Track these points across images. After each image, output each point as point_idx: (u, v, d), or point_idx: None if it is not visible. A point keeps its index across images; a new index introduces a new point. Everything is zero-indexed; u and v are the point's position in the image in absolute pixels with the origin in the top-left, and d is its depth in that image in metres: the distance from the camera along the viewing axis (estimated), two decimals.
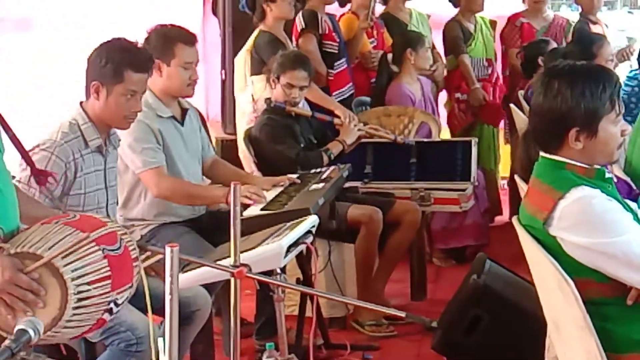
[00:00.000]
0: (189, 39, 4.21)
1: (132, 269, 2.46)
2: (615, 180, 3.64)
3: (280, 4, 5.49)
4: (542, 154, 2.77)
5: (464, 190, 5.20)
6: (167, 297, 2.19)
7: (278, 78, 4.89)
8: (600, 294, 2.65)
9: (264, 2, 5.53)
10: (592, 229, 2.59)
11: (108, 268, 2.36)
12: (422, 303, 5.37)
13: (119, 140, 3.78)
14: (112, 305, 2.38)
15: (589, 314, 2.59)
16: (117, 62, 3.49)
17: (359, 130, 5.14)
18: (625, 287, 2.63)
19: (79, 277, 2.31)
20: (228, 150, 6.18)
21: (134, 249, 2.50)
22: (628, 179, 3.86)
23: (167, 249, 2.19)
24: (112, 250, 2.39)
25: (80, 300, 2.31)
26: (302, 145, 4.91)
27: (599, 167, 2.73)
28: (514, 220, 2.85)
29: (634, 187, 3.74)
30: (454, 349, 4.27)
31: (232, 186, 2.90)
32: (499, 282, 4.25)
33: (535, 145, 2.84)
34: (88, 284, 2.32)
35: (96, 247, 2.36)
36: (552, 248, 2.66)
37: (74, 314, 2.31)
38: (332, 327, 4.84)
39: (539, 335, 3.06)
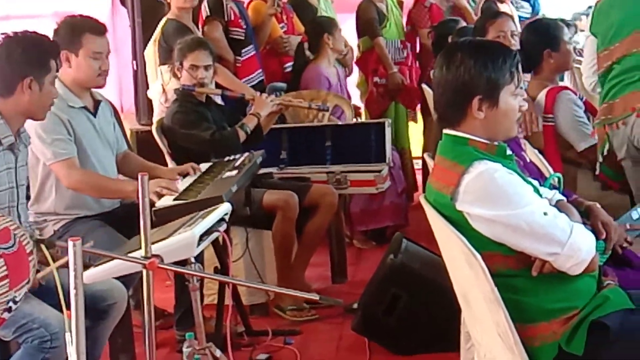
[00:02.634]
0: (98, 28, 4.15)
1: (28, 264, 2.43)
2: (527, 161, 3.73)
3: None
4: (444, 131, 2.81)
5: (379, 171, 5.24)
6: (72, 291, 2.16)
7: (182, 64, 4.87)
8: (507, 267, 2.69)
9: None
10: (495, 202, 2.63)
11: (5, 267, 2.32)
12: (343, 285, 5.40)
13: (29, 138, 3.72)
14: (10, 304, 2.34)
15: (497, 286, 2.63)
16: (44, 53, 3.47)
17: (271, 101, 5.08)
18: (530, 259, 2.67)
19: None
20: (143, 141, 6.12)
21: (28, 242, 2.46)
22: (542, 163, 3.94)
23: (70, 243, 2.15)
24: (7, 248, 2.35)
25: None
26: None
27: (499, 143, 2.77)
28: (421, 198, 2.88)
29: (544, 173, 3.81)
30: (374, 329, 4.32)
31: (139, 177, 2.88)
32: (416, 261, 4.30)
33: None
34: None
35: None
36: (459, 223, 2.70)
37: None
38: (254, 314, 4.84)
39: (457, 310, 3.10)
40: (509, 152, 2.81)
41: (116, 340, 4.03)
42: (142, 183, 2.87)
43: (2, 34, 3.47)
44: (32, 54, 3.43)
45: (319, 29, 6.10)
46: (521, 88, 2.78)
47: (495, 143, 2.77)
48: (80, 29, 4.09)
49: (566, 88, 4.57)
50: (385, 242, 5.76)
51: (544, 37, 4.47)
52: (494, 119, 2.72)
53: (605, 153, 4.19)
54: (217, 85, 5.44)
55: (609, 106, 4.09)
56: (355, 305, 4.55)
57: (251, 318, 4.67)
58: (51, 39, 3.61)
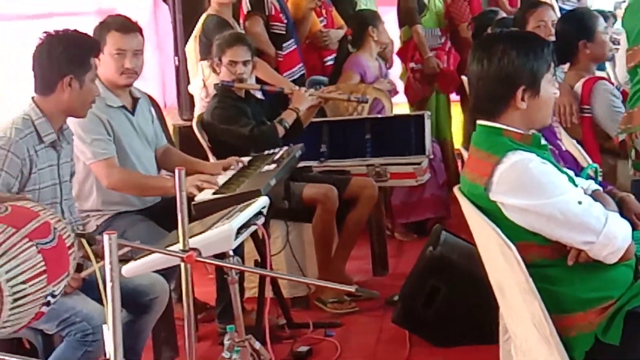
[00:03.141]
0: (125, 26, 4.17)
1: (68, 257, 2.46)
2: (563, 149, 3.72)
3: None
4: (478, 122, 2.81)
5: (419, 163, 5.24)
6: (108, 285, 2.18)
7: (220, 60, 4.90)
8: (542, 256, 2.69)
9: None
10: (529, 191, 2.63)
11: (43, 263, 2.34)
12: (384, 278, 5.41)
13: (72, 135, 3.78)
14: (49, 297, 2.37)
15: (532, 277, 2.63)
16: (84, 51, 3.50)
17: (310, 95, 5.09)
18: (565, 248, 2.67)
19: (14, 277, 2.29)
20: (185, 136, 6.15)
21: (69, 235, 2.49)
22: (579, 153, 3.91)
23: (105, 237, 2.19)
24: (46, 243, 2.37)
25: (16, 300, 2.30)
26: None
27: (534, 133, 2.77)
28: (456, 189, 2.88)
29: (580, 162, 3.79)
30: (414, 321, 4.33)
31: (176, 171, 2.91)
32: (455, 253, 4.30)
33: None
34: (23, 282, 2.30)
35: (29, 243, 2.34)
36: (493, 214, 2.70)
37: (11, 314, 2.30)
38: (296, 306, 4.87)
39: (495, 302, 3.09)
40: (543, 142, 2.81)
41: (159, 334, 4.08)
42: (179, 177, 2.91)
43: (44, 32, 3.52)
44: (73, 53, 3.47)
45: (364, 22, 6.13)
46: (554, 77, 2.78)
47: (530, 133, 2.76)
48: (107, 27, 4.14)
49: (602, 78, 4.52)
50: (427, 235, 5.71)
51: (578, 27, 4.43)
52: (535, 108, 2.74)
53: (633, 157, 4.12)
54: (257, 80, 5.47)
55: (629, 115, 4.02)
56: (395, 298, 4.56)
57: (292, 311, 4.69)
58: (90, 37, 3.65)
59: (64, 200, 3.60)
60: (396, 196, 6.06)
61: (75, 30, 3.59)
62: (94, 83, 3.56)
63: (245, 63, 4.91)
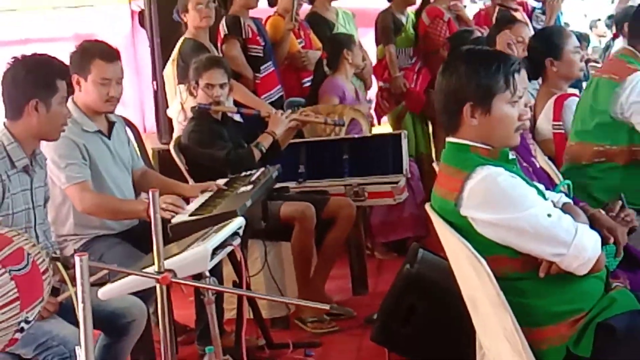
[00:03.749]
0: (108, 54, 4.19)
1: (42, 283, 2.45)
2: (537, 166, 3.75)
3: (192, 13, 5.58)
4: (447, 139, 2.84)
5: (397, 182, 5.27)
6: (80, 306, 2.20)
7: (197, 83, 4.93)
8: (514, 270, 2.71)
9: (181, 12, 5.61)
10: (499, 205, 2.66)
11: (16, 290, 2.33)
12: (364, 297, 5.42)
13: (45, 159, 3.79)
14: (22, 324, 2.37)
15: (504, 290, 2.66)
16: (49, 74, 3.51)
17: (286, 118, 5.12)
18: (537, 261, 2.70)
19: None
20: (165, 160, 6.16)
21: (43, 260, 2.49)
22: (552, 170, 3.95)
23: (77, 258, 2.20)
24: (19, 269, 2.36)
25: None
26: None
27: (502, 148, 2.80)
28: (427, 206, 2.91)
29: (554, 180, 3.83)
30: (393, 339, 4.32)
31: (150, 193, 2.93)
32: (432, 270, 4.30)
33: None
34: None
35: (1, 270, 2.33)
36: (464, 229, 2.73)
37: None
38: (275, 327, 4.88)
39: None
40: (511, 156, 2.83)
41: (138, 357, 4.08)
42: (153, 199, 2.92)
43: (12, 57, 3.54)
44: (36, 76, 3.48)
45: (338, 45, 6.16)
46: (520, 96, 2.78)
47: (498, 148, 2.79)
48: (90, 54, 4.14)
49: (573, 95, 4.57)
50: (406, 254, 5.79)
51: (545, 45, 4.49)
52: (487, 126, 2.75)
53: None
54: (235, 103, 5.50)
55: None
56: (375, 316, 4.56)
57: (272, 331, 4.70)
58: (57, 60, 3.62)
59: (38, 225, 3.60)
60: (375, 215, 6.08)
61: (40, 54, 3.61)
62: (62, 106, 3.56)
63: (222, 86, 4.95)
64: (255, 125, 5.38)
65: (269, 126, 5.10)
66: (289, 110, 5.37)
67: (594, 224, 3.00)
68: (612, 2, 16.03)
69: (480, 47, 2.98)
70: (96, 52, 4.16)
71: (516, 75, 2.76)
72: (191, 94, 5.05)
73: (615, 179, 4.00)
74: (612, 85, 3.99)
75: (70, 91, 4.12)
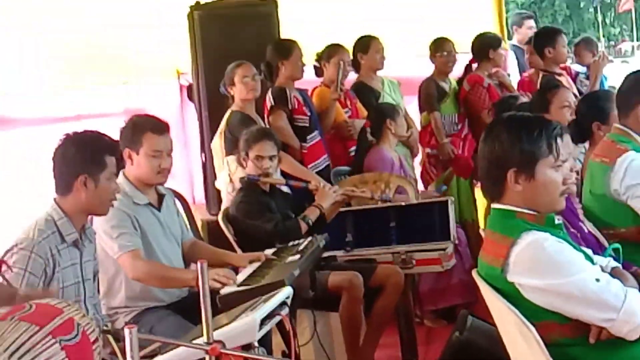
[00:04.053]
0: (158, 127, 4.30)
1: (92, 352, 2.49)
2: (585, 231, 3.73)
3: (239, 86, 5.69)
4: (492, 205, 2.85)
5: (444, 249, 5.25)
6: None
7: (247, 154, 5.01)
8: (563, 336, 2.70)
9: (227, 85, 5.72)
10: (546, 271, 2.66)
11: (66, 359, 2.38)
12: None
13: (95, 234, 3.86)
14: None
15: (554, 357, 2.65)
16: (98, 151, 3.61)
17: (334, 192, 5.17)
18: (586, 327, 2.68)
19: None
20: (214, 231, 6.20)
21: (93, 330, 2.53)
22: (599, 235, 3.92)
23: (126, 330, 2.23)
24: (69, 339, 2.40)
25: None
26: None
27: (548, 214, 2.80)
28: (474, 272, 2.91)
29: (602, 242, 3.81)
30: None
31: (198, 264, 2.96)
32: (481, 337, 4.26)
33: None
34: None
35: (52, 341, 2.37)
36: (512, 295, 2.72)
37: None
38: None
39: None
40: (557, 221, 2.83)
41: None
42: (201, 270, 2.95)
43: (64, 134, 3.63)
44: (85, 152, 3.58)
45: (381, 115, 6.22)
46: (564, 161, 2.79)
47: (544, 214, 2.79)
48: (141, 128, 4.24)
49: None
50: (456, 321, 5.75)
51: (592, 109, 4.49)
52: (532, 191, 2.76)
53: None
54: (283, 174, 5.56)
55: None
56: None
57: None
58: (107, 137, 3.74)
59: (88, 298, 3.66)
60: (424, 282, 6.06)
61: (91, 131, 3.71)
62: (111, 181, 3.64)
63: (271, 158, 5.02)
64: (302, 196, 5.42)
65: (317, 199, 5.15)
66: (337, 186, 5.40)
67: None
68: None
69: (522, 113, 3.00)
70: (147, 126, 4.26)
71: (558, 139, 2.77)
72: (241, 165, 5.13)
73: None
74: (604, 169, 3.96)
75: (122, 165, 4.22)
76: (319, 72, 6.61)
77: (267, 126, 5.80)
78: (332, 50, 6.47)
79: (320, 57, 6.54)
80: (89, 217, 3.71)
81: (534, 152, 2.75)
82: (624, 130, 4.05)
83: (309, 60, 6.39)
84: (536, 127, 2.78)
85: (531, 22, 8.57)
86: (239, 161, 5.17)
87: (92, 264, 3.74)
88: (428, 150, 6.92)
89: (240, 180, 5.11)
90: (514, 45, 8.67)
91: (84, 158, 3.58)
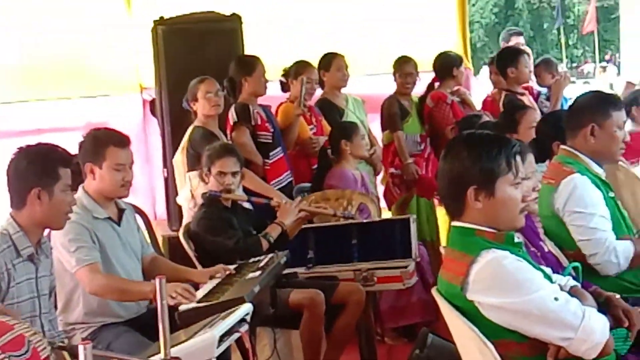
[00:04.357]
0: (120, 141, 4.27)
1: None
2: (545, 250, 3.74)
3: (201, 102, 5.68)
4: (452, 223, 2.85)
5: (405, 267, 5.24)
6: None
7: (209, 170, 4.99)
8: (521, 354, 2.71)
9: (190, 100, 5.71)
10: (505, 289, 2.66)
11: None
12: None
13: (51, 248, 3.81)
14: None
15: None
16: (50, 163, 3.57)
17: (295, 207, 5.16)
18: (545, 345, 2.69)
19: None
20: (175, 247, 6.17)
21: (44, 348, 2.50)
22: (559, 254, 3.94)
23: (80, 347, 2.20)
24: (19, 355, 2.39)
25: None
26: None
27: (507, 232, 2.81)
28: (433, 290, 2.91)
29: (562, 261, 3.82)
30: None
31: (156, 280, 2.93)
32: (441, 355, 4.25)
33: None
34: None
35: (2, 356, 2.35)
36: (471, 313, 2.72)
37: None
38: None
39: None
40: (517, 239, 2.84)
41: None
42: (159, 285, 2.91)
43: (17, 148, 3.60)
44: (37, 165, 3.54)
45: (338, 135, 6.19)
46: (523, 178, 2.81)
47: (503, 232, 2.80)
48: (103, 142, 4.21)
49: None
50: (416, 339, 5.74)
51: (553, 129, 4.52)
52: (492, 209, 2.77)
53: None
54: (245, 190, 5.54)
55: None
56: None
57: None
58: (60, 149, 3.69)
59: (43, 314, 3.61)
60: (385, 300, 6.04)
61: (43, 144, 3.68)
62: (66, 193, 3.60)
63: (234, 174, 5.00)
64: (264, 213, 5.40)
65: (278, 216, 5.13)
66: (299, 198, 5.40)
67: (609, 306, 3.00)
68: (611, 87, 16.19)
69: (481, 131, 3.00)
70: (109, 140, 4.23)
71: (517, 157, 2.79)
72: (203, 180, 5.11)
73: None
74: (550, 190, 3.97)
75: (80, 179, 4.18)
76: (285, 87, 6.60)
77: (230, 142, 5.77)
78: (300, 67, 6.47)
79: (287, 73, 6.54)
80: (45, 231, 3.66)
81: (493, 169, 2.76)
82: (570, 151, 4.06)
83: (273, 76, 6.38)
84: (495, 145, 2.79)
85: (520, 39, 8.55)
86: (201, 177, 5.15)
87: (48, 279, 3.70)
88: (392, 170, 6.92)
89: (202, 196, 5.08)
90: None
91: (36, 170, 3.54)
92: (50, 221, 3.61)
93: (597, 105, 4.02)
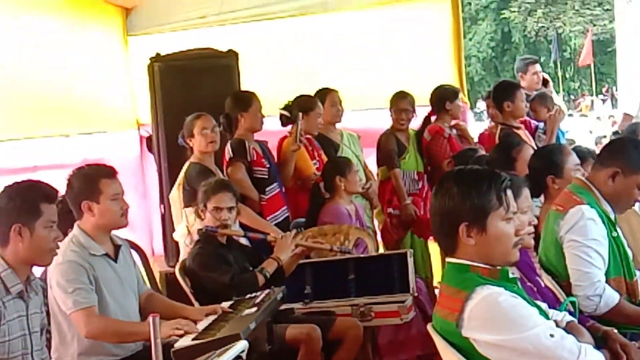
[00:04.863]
0: (109, 172, 4.29)
1: None
2: (542, 285, 3.73)
3: (198, 138, 5.69)
4: (447, 259, 2.85)
5: (403, 302, 5.23)
6: None
7: (205, 206, 4.99)
8: None
9: (186, 137, 5.72)
10: (501, 326, 2.65)
11: None
12: None
13: (41, 286, 3.80)
14: None
15: None
16: (31, 199, 3.55)
17: (292, 242, 5.14)
18: None
19: None
20: (172, 283, 6.15)
21: None
22: (556, 288, 3.93)
23: None
24: None
25: None
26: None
27: (502, 267, 2.80)
28: (429, 327, 2.90)
29: (559, 296, 3.81)
30: None
31: (150, 318, 2.92)
32: None
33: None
34: None
35: None
36: (467, 350, 2.71)
37: None
38: None
39: None
40: (512, 275, 2.83)
41: None
42: (153, 324, 2.91)
43: (4, 187, 3.60)
44: (17, 201, 3.54)
45: (332, 171, 6.18)
46: (515, 212, 2.80)
47: (498, 267, 2.79)
48: (94, 177, 4.22)
49: None
50: None
51: (546, 163, 4.52)
52: (485, 245, 2.76)
53: None
54: (241, 226, 5.53)
55: None
56: None
57: None
58: (44, 185, 3.69)
59: (35, 352, 3.59)
60: (383, 335, 6.00)
61: (27, 180, 3.68)
62: (50, 230, 3.59)
63: (230, 209, 5.01)
64: (261, 248, 5.39)
65: (275, 251, 5.12)
66: (294, 231, 5.39)
67: (607, 340, 2.99)
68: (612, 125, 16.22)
69: (471, 166, 3.00)
70: (99, 174, 4.25)
71: (508, 191, 2.78)
72: (199, 216, 5.11)
73: None
74: (557, 216, 3.99)
75: (71, 217, 4.18)
76: (284, 121, 6.59)
77: (226, 178, 5.77)
78: (304, 101, 6.47)
79: (290, 107, 6.50)
80: (31, 268, 3.65)
81: (484, 205, 2.75)
82: (585, 182, 4.07)
83: (270, 111, 6.39)
84: (485, 180, 2.79)
85: (536, 67, 8.25)
86: (197, 213, 5.15)
87: (39, 316, 3.68)
88: (390, 210, 6.88)
89: (198, 232, 5.08)
90: None
91: (15, 207, 3.53)
92: (34, 257, 3.60)
93: (632, 156, 4.03)
